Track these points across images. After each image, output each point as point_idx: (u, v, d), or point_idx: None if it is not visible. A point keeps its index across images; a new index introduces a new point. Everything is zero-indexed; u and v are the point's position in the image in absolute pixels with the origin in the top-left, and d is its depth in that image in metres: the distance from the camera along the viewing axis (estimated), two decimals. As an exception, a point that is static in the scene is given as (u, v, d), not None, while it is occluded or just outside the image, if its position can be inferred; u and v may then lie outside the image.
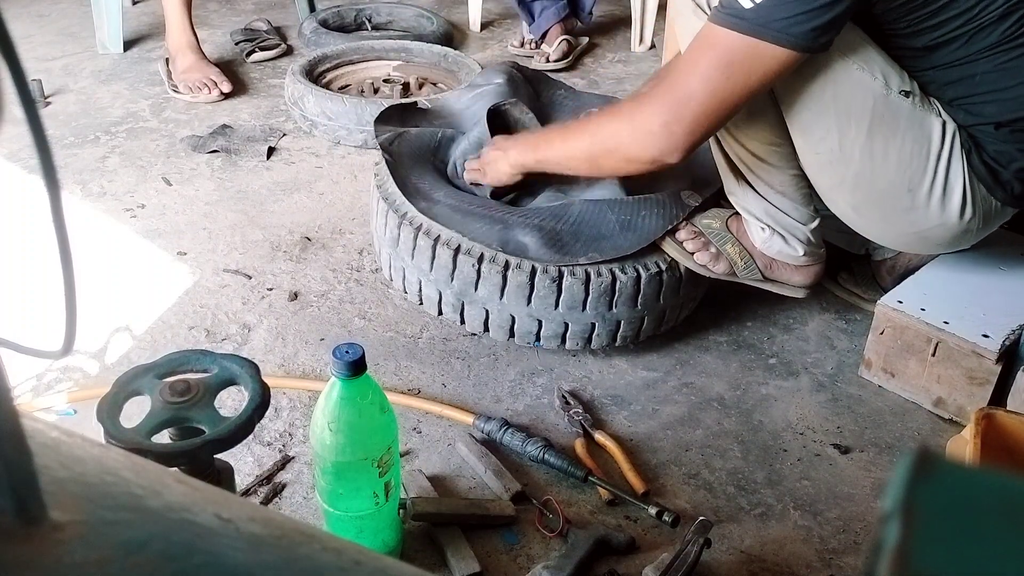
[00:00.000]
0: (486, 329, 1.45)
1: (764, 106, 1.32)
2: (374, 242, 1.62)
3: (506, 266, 1.38)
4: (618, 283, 1.39)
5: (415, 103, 1.80)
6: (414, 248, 1.44)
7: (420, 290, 1.48)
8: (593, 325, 1.42)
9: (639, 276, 1.40)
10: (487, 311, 1.43)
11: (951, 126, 1.28)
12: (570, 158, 1.39)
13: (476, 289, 1.40)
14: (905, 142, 1.27)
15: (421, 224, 1.43)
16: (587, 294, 1.39)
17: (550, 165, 1.43)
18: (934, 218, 1.33)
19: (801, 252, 1.45)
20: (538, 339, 1.44)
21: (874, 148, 1.27)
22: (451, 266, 1.40)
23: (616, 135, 1.30)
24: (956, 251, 1.47)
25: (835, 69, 1.23)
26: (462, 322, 1.47)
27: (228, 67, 2.64)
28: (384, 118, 1.68)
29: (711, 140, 1.43)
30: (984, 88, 1.26)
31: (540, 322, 1.42)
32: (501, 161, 1.47)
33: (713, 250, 1.45)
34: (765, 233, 1.44)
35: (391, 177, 1.50)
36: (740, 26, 1.15)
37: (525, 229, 1.39)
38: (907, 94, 1.25)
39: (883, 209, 1.35)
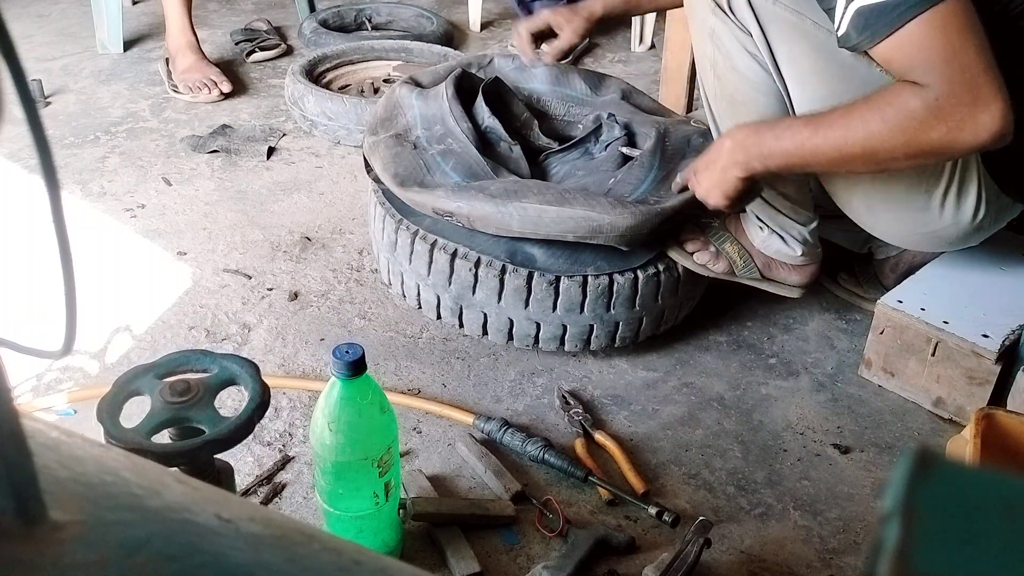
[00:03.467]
0: (485, 332, 1.45)
1: (775, 105, 1.31)
2: (372, 246, 1.62)
3: (503, 270, 1.38)
4: (616, 285, 1.39)
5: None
6: (411, 253, 1.44)
7: (418, 294, 1.48)
8: (591, 327, 1.42)
9: (636, 277, 1.40)
10: (485, 315, 1.43)
11: None
12: (854, 159, 1.15)
13: (474, 293, 1.40)
14: None
15: (418, 229, 1.43)
16: (585, 296, 1.39)
17: (820, 163, 1.19)
18: (948, 217, 1.33)
19: (799, 252, 1.45)
20: (536, 342, 1.44)
21: None
22: (448, 270, 1.40)
23: (928, 137, 1.08)
24: (961, 249, 1.47)
25: (858, 70, 1.21)
26: (460, 326, 1.47)
27: (228, 67, 2.63)
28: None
29: (715, 137, 1.42)
30: None
31: (538, 325, 1.42)
32: (733, 152, 1.21)
33: (712, 249, 1.45)
34: (764, 232, 1.44)
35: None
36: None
37: (532, 240, 1.38)
38: None
39: (898, 209, 1.35)
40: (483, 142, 1.50)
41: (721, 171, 1.24)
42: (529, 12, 2.83)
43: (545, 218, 1.32)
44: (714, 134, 1.42)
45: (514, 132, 1.59)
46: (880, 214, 1.38)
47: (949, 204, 1.31)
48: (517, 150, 1.51)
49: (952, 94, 1.06)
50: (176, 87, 2.44)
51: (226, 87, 2.42)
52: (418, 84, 1.62)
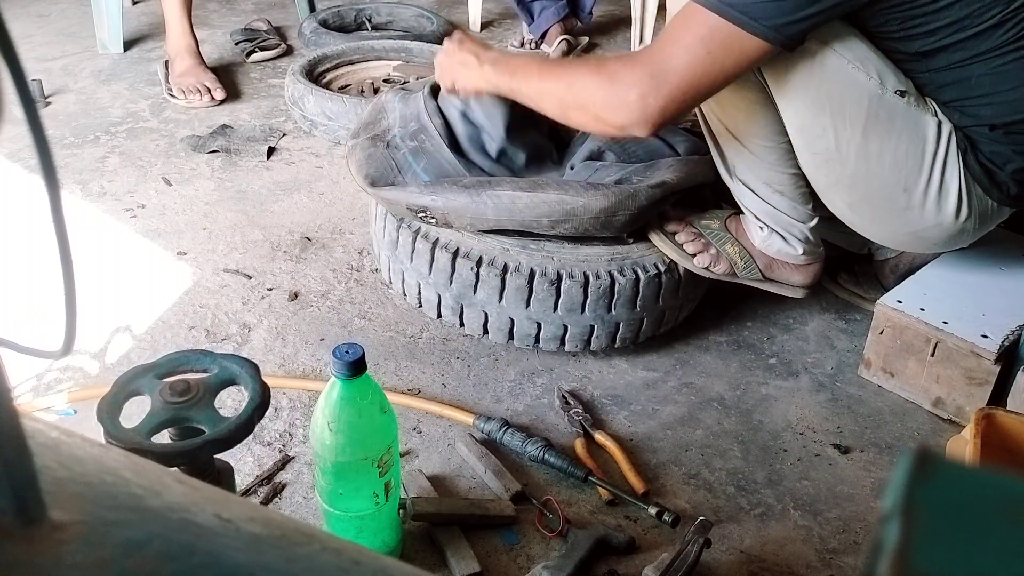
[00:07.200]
0: (485, 332, 1.45)
1: (760, 105, 1.32)
2: (373, 245, 1.62)
3: (504, 269, 1.38)
4: (617, 285, 1.39)
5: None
6: (413, 251, 1.44)
7: (419, 293, 1.48)
8: (592, 327, 1.42)
9: (638, 278, 1.40)
10: (486, 314, 1.43)
11: (947, 126, 1.28)
12: (543, 98, 1.34)
13: (475, 292, 1.41)
14: (900, 142, 1.27)
15: (419, 228, 1.43)
16: (586, 296, 1.39)
17: (521, 97, 1.37)
18: (930, 218, 1.33)
19: (800, 251, 1.45)
20: (537, 341, 1.44)
21: (869, 147, 1.27)
22: (450, 269, 1.40)
23: (592, 94, 1.25)
24: (955, 250, 1.47)
25: (830, 67, 1.23)
26: (461, 325, 1.47)
27: (227, 68, 2.64)
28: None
29: (708, 141, 1.43)
30: (980, 91, 1.25)
31: (539, 324, 1.42)
32: (475, 72, 1.41)
33: (713, 251, 1.45)
34: (764, 232, 1.44)
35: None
36: (726, 12, 1.15)
37: None
38: (902, 93, 1.25)
39: (879, 208, 1.36)
40: (453, 140, 1.49)
41: (475, 82, 1.42)
42: (529, 12, 2.83)
43: (519, 204, 1.34)
44: (705, 134, 1.44)
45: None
46: (862, 213, 1.38)
47: (930, 204, 1.31)
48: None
49: (631, 65, 1.22)
50: (171, 90, 2.44)
51: (219, 94, 2.41)
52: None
